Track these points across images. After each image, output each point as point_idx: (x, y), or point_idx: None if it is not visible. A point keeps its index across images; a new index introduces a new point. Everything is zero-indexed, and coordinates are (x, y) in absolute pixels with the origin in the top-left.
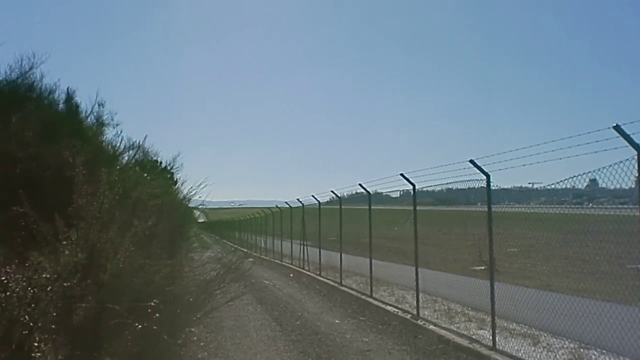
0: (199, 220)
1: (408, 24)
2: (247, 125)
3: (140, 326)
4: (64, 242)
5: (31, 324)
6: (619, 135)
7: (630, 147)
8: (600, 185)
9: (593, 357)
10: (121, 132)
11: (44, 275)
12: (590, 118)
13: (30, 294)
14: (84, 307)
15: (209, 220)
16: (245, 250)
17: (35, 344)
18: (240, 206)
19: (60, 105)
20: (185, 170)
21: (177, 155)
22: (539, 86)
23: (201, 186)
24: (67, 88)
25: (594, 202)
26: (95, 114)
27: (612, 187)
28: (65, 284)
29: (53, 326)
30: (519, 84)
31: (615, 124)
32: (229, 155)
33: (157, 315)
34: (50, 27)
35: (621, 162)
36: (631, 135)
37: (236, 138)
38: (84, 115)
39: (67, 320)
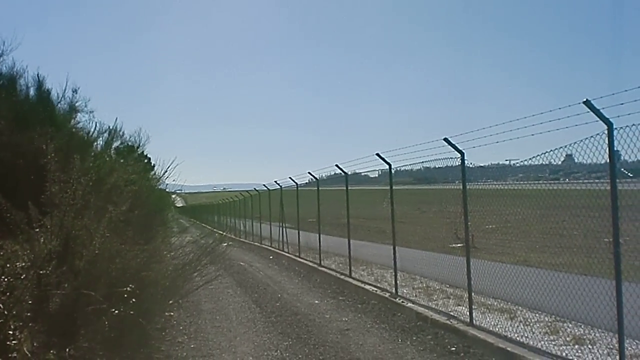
0: (178, 205)
1: (387, 2)
2: (226, 109)
3: (117, 312)
4: (38, 230)
5: (6, 312)
6: (589, 110)
7: (601, 122)
8: (576, 161)
9: (568, 329)
10: (94, 117)
11: (17, 264)
12: (567, 92)
13: (4, 283)
14: (59, 294)
15: (188, 205)
16: (224, 233)
17: (10, 332)
18: (224, 189)
19: (32, 92)
20: (164, 156)
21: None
22: (516, 63)
23: (174, 166)
24: (38, 75)
25: (570, 177)
26: (67, 99)
27: (586, 162)
28: (40, 272)
29: (28, 314)
30: (497, 62)
31: (585, 99)
32: (208, 139)
33: (133, 300)
34: (16, 8)
35: (592, 136)
36: (601, 110)
37: (215, 122)
38: (56, 101)
39: (43, 307)
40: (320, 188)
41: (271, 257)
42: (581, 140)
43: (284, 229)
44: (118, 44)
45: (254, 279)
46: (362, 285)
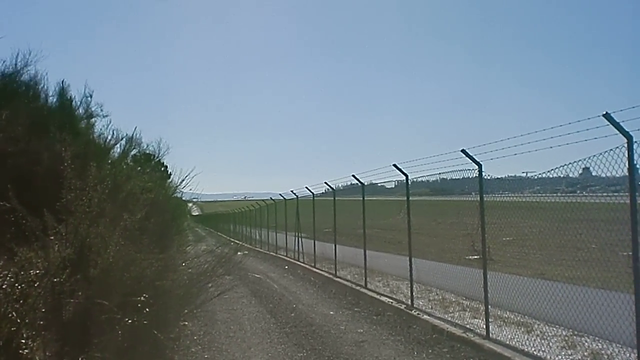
0: (194, 213)
1: (403, 12)
2: (245, 118)
3: (130, 321)
4: (53, 237)
5: (19, 320)
6: (608, 123)
7: (620, 135)
8: (593, 174)
9: (586, 344)
10: (111, 123)
11: (31, 271)
12: (585, 102)
13: (18, 290)
14: (73, 303)
15: (204, 213)
16: (240, 242)
17: (23, 341)
18: (245, 198)
19: (51, 99)
20: (181, 164)
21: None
22: (534, 73)
23: (191, 176)
24: (62, 82)
25: (587, 190)
26: (85, 105)
27: (604, 175)
28: (54, 280)
29: (42, 322)
30: (514, 72)
31: (605, 112)
32: (226, 148)
33: (147, 310)
34: (37, 16)
35: (611, 150)
36: (621, 123)
37: (233, 131)
38: (74, 108)
39: (56, 316)
40: (336, 198)
41: (286, 267)
42: (600, 154)
43: (300, 239)
44: (138, 56)
45: (268, 289)
46: (378, 296)
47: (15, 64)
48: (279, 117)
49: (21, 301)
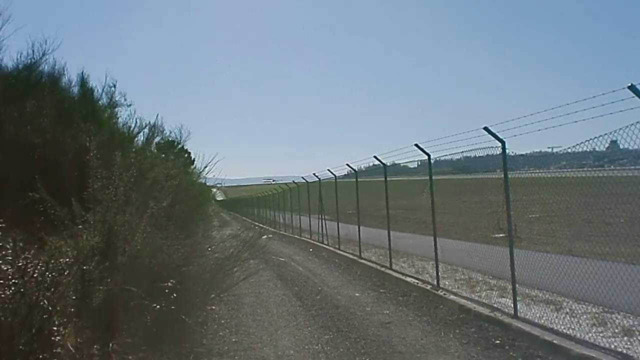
0: (218, 198)
1: None
2: (266, 101)
3: (158, 306)
4: (81, 226)
5: (50, 308)
6: (634, 95)
7: None
8: (621, 147)
9: (617, 320)
10: (134, 112)
11: (61, 260)
12: (608, 77)
13: (48, 278)
14: (102, 290)
15: (228, 198)
16: (264, 226)
17: (55, 328)
18: (274, 181)
19: (74, 90)
20: (204, 149)
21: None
22: (555, 47)
23: (214, 162)
24: (82, 73)
25: (615, 164)
26: (107, 95)
27: (632, 148)
28: (84, 267)
29: (72, 309)
30: (535, 46)
31: (630, 84)
32: (248, 132)
33: (175, 295)
34: (55, 5)
35: (638, 122)
36: None
37: (255, 114)
38: (97, 97)
39: (87, 303)
40: (358, 179)
41: (311, 250)
42: (626, 127)
43: (324, 221)
44: (159, 40)
45: (294, 272)
46: (403, 277)
47: (32, 54)
48: (300, 100)
49: (52, 289)
